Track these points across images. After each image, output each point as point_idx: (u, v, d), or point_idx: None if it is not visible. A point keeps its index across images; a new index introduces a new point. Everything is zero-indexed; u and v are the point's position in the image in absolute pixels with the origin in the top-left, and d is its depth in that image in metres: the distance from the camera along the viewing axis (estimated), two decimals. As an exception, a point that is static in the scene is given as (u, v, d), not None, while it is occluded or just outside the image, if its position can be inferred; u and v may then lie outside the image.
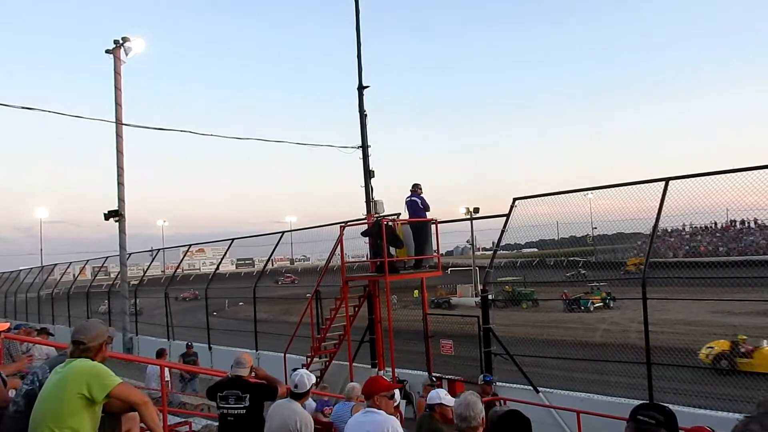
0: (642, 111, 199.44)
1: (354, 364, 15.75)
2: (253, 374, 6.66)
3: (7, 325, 4.74)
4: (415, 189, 15.12)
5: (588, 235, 18.57)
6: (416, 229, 14.96)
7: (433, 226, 15.26)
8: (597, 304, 32.28)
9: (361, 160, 17.19)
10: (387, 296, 14.93)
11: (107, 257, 34.41)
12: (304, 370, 6.42)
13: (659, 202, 11.52)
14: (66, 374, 3.67)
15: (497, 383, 13.33)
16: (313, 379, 6.26)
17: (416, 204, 14.95)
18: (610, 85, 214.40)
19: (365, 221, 16.17)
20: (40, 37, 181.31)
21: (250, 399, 6.20)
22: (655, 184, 11.82)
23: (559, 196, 13.72)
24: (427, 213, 15.10)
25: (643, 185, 12.19)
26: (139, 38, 20.98)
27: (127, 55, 20.85)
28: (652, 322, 11.53)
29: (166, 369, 10.44)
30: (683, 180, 11.46)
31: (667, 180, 11.51)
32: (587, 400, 11.59)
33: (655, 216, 11.68)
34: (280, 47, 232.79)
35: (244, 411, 6.19)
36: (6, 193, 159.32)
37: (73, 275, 38.82)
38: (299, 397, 6.06)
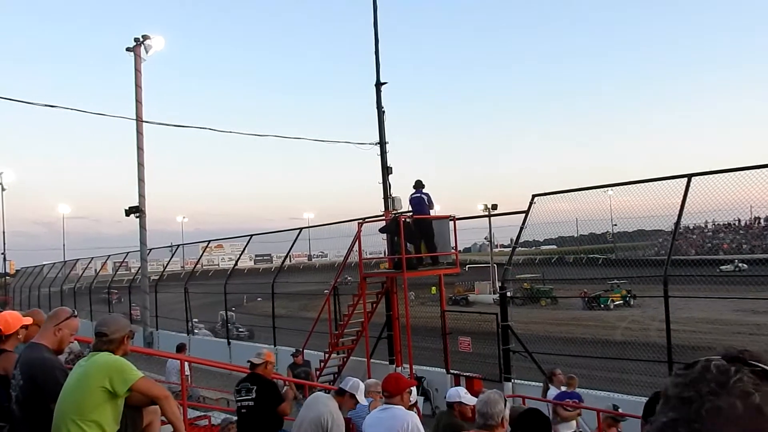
0: (662, 108, 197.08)
1: (372, 360, 15.77)
2: (270, 367, 6.76)
3: (31, 320, 4.78)
4: (419, 185, 15.02)
5: (608, 232, 18.41)
6: (422, 226, 14.88)
7: (450, 223, 15.22)
8: (617, 302, 31.98)
9: (379, 157, 17.17)
10: (405, 293, 14.92)
11: (128, 253, 34.78)
12: (357, 379, 6.45)
13: (681, 198, 11.37)
14: (88, 368, 3.71)
15: (515, 381, 13.28)
16: (358, 387, 6.25)
17: (422, 201, 14.86)
18: (629, 83, 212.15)
19: (383, 218, 16.17)
20: (62, 36, 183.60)
21: (257, 392, 6.37)
22: (677, 180, 11.67)
23: (579, 192, 13.61)
24: (431, 209, 15.00)
25: (664, 182, 12.05)
26: (159, 36, 21.12)
27: (147, 52, 20.95)
28: (674, 320, 11.39)
29: (186, 363, 10.55)
30: (706, 176, 11.31)
31: (689, 176, 11.35)
32: (607, 399, 11.47)
33: (677, 213, 11.54)
34: (299, 45, 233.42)
35: (252, 403, 6.37)
36: (29, 189, 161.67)
37: (95, 270, 39.25)
38: (340, 394, 6.11)
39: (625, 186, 13.01)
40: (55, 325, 4.12)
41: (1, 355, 4.64)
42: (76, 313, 4.40)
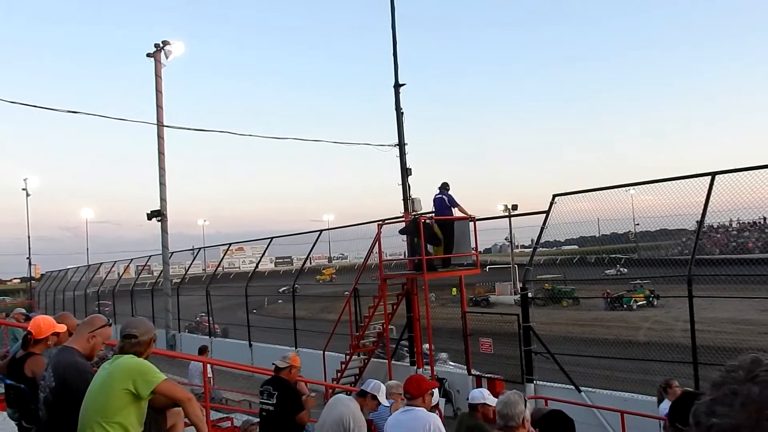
0: (685, 106, 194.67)
1: (392, 361, 15.76)
2: (295, 372, 6.78)
3: (65, 327, 4.85)
4: (444, 187, 15.01)
5: (630, 231, 18.21)
6: (442, 227, 14.86)
7: (470, 224, 15.17)
8: (640, 302, 31.60)
9: (398, 158, 17.17)
10: (425, 294, 14.89)
11: (150, 256, 35.12)
12: (379, 381, 6.44)
13: (705, 197, 11.21)
14: (112, 371, 3.76)
15: (537, 382, 13.18)
16: (379, 389, 6.26)
17: (443, 201, 14.83)
18: (651, 80, 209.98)
19: (403, 219, 16.16)
20: (84, 41, 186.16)
21: (278, 397, 6.39)
22: (701, 179, 11.52)
23: (600, 192, 13.47)
24: (453, 210, 14.95)
25: (687, 180, 11.89)
26: (179, 41, 21.33)
27: (167, 58, 21.18)
28: (698, 320, 11.24)
29: (208, 365, 10.62)
30: (730, 174, 11.15)
31: (713, 174, 11.20)
32: (631, 400, 11.37)
33: (701, 212, 11.38)
34: (317, 47, 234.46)
35: (272, 408, 6.40)
36: (53, 194, 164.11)
37: (118, 274, 39.70)
38: (361, 395, 6.10)
39: (648, 185, 12.86)
40: (90, 332, 4.19)
41: (30, 358, 4.72)
42: (110, 322, 4.45)
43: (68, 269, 47.93)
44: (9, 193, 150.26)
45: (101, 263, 43.94)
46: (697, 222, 11.96)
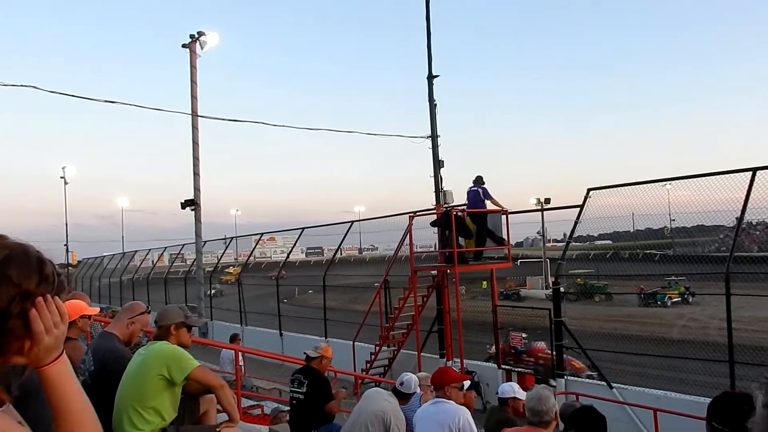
0: (724, 100, 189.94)
1: (422, 354, 15.77)
2: (326, 362, 6.83)
3: (97, 309, 4.96)
4: (478, 180, 14.93)
5: (666, 227, 17.90)
6: (476, 220, 14.78)
7: (503, 217, 15.07)
8: (675, 299, 31.04)
9: (431, 150, 17.12)
10: (456, 287, 14.85)
11: (184, 245, 35.64)
12: (412, 375, 6.44)
13: (745, 193, 10.94)
14: (147, 357, 3.86)
15: (568, 377, 13.07)
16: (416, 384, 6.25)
17: (477, 194, 14.74)
18: (688, 74, 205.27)
19: (434, 212, 16.12)
20: (120, 33, 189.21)
21: (308, 386, 6.46)
22: (740, 174, 11.24)
23: (636, 186, 13.24)
24: (487, 203, 14.86)
25: (726, 176, 11.60)
26: (214, 32, 21.54)
27: (202, 49, 21.41)
28: (735, 318, 10.99)
29: (240, 353, 10.77)
30: (772, 170, 10.85)
31: (754, 170, 10.91)
32: (663, 398, 11.19)
33: (741, 208, 11.11)
34: (351, 38, 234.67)
35: (303, 396, 6.47)
36: (90, 182, 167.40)
37: (152, 262, 40.40)
38: (401, 396, 6.08)
39: (684, 180, 12.60)
40: (129, 318, 4.31)
41: (66, 342, 4.83)
42: (150, 309, 4.56)
43: (104, 256, 48.92)
44: (47, 180, 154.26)
45: (136, 251, 44.76)
46: (736, 218, 11.68)
